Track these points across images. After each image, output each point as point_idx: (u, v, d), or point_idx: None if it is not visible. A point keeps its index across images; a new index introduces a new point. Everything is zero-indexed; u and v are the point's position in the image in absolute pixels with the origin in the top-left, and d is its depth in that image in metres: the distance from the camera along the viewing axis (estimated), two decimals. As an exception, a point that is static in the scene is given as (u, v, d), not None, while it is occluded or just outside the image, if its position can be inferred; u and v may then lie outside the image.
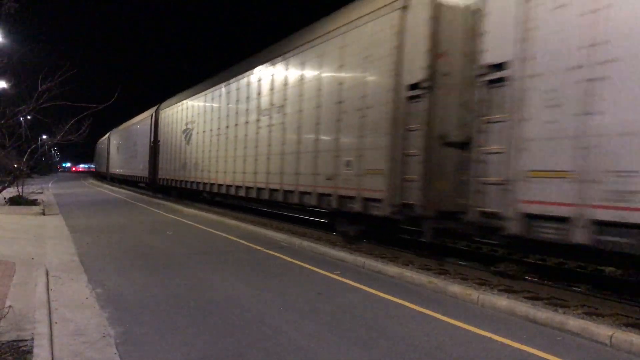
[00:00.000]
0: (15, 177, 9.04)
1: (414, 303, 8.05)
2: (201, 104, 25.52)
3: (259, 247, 13.29)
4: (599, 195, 7.08)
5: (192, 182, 26.04)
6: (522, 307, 7.47)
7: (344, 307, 7.76)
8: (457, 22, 10.29)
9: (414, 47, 10.84)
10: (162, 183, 32.41)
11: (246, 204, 23.11)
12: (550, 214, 7.71)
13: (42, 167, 70.32)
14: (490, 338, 6.45)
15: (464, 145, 9.76)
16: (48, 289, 8.06)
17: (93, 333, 6.20)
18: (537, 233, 8.00)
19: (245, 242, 14.12)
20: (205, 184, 23.93)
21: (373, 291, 8.83)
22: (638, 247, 6.72)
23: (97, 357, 5.45)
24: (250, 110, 19.26)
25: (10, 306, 6.43)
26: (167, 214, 22.31)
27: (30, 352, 5.25)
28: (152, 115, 35.78)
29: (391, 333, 6.60)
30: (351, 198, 12.77)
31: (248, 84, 19.65)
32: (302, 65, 15.57)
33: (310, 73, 15.12)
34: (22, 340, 5.55)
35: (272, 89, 17.57)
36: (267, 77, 18.01)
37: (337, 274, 10.11)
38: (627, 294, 8.29)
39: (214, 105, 23.61)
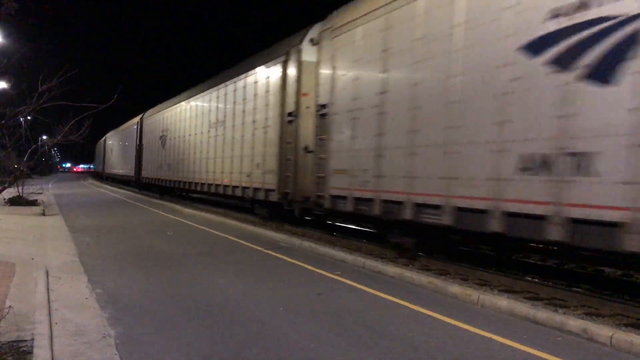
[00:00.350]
0: (15, 178, 9.04)
1: (414, 303, 8.05)
2: (173, 114, 31.27)
3: (259, 248, 13.30)
4: (357, 184, 12.47)
5: (166, 181, 31.65)
6: (522, 308, 7.46)
7: (344, 308, 7.76)
8: (312, 73, 15.15)
9: (290, 88, 16.47)
10: (145, 181, 38.09)
11: (207, 197, 28.76)
12: (341, 194, 13.07)
13: (42, 168, 70.29)
14: (490, 338, 6.45)
15: (311, 151, 15.17)
16: (48, 290, 8.06)
17: (93, 333, 6.20)
18: (338, 207, 13.30)
19: (246, 243, 14.12)
20: (176, 181, 29.56)
21: (373, 291, 8.83)
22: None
23: (97, 358, 5.44)
24: (204, 123, 25.02)
25: (10, 306, 6.43)
26: (166, 214, 22.32)
27: (30, 352, 5.25)
28: (138, 122, 41.61)
29: (391, 333, 6.60)
30: (257, 189, 18.19)
31: (203, 102, 25.62)
32: (244, 88, 20.32)
33: (239, 99, 20.62)
34: (22, 341, 5.55)
35: (217, 108, 23.31)
36: (213, 100, 23.93)
37: (337, 274, 10.11)
38: (627, 295, 8.29)
39: (182, 116, 29.41)
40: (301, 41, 15.99)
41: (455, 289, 8.65)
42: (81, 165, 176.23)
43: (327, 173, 13.65)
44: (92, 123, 8.02)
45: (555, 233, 7.68)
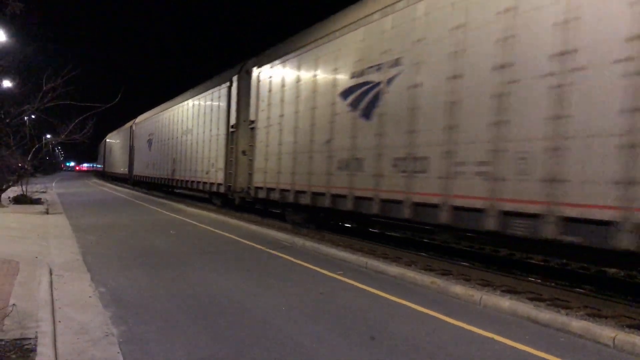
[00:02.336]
0: (19, 176, 9.08)
1: (416, 303, 8.05)
2: (157, 121, 36.27)
3: (261, 247, 13.31)
4: (268, 179, 17.40)
5: (152, 178, 36.58)
6: (525, 308, 7.46)
7: (346, 307, 7.77)
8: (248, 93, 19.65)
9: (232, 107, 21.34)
10: (136, 179, 43.21)
11: (185, 191, 33.52)
12: (259, 186, 17.98)
13: (46, 167, 70.47)
14: (492, 339, 6.45)
15: (245, 153, 19.53)
16: (51, 288, 8.09)
17: (96, 332, 6.22)
18: (259, 196, 17.88)
19: (248, 242, 14.14)
20: (159, 178, 34.58)
21: (375, 291, 8.84)
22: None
23: (100, 356, 5.46)
24: (178, 130, 30.17)
25: (14, 304, 6.46)
26: (169, 213, 22.35)
27: (33, 350, 5.27)
28: (131, 125, 47.01)
29: (393, 333, 6.60)
30: (212, 184, 23.42)
31: (177, 112, 30.59)
32: (204, 104, 25.39)
33: (201, 112, 25.76)
34: (25, 339, 5.57)
35: (187, 118, 28.46)
36: (183, 111, 29.38)
37: (339, 274, 10.12)
38: (631, 295, 8.28)
39: (162, 123, 34.41)
40: (239, 71, 21.03)
41: (457, 289, 8.65)
42: (85, 164, 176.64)
43: (253, 170, 18.54)
44: (95, 122, 8.05)
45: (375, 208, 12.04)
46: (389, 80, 11.49)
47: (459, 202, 9.46)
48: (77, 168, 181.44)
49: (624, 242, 6.91)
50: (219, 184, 22.27)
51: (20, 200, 23.85)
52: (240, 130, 20.42)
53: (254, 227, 17.03)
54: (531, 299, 8.08)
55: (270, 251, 12.74)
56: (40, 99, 6.27)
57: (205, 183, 24.48)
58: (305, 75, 15.32)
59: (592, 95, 7.32)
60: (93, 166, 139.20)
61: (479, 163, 9.01)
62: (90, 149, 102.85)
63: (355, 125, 12.52)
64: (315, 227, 15.88)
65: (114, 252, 12.17)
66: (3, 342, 5.39)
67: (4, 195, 22.22)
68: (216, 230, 16.60)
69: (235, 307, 7.60)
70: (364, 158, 12.21)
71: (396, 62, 11.29)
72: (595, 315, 7.29)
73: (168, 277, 9.58)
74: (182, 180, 28.82)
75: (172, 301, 7.90)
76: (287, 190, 15.78)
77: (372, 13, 12.28)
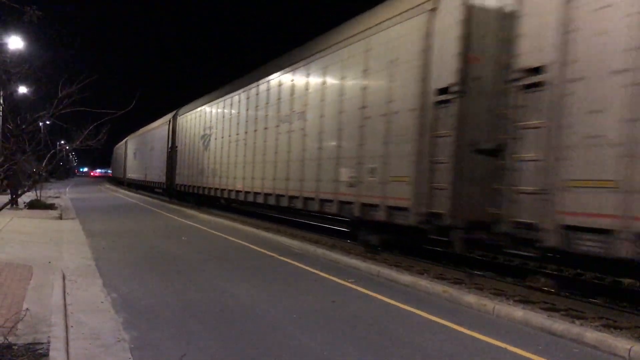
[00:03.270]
0: (34, 182, 9.17)
1: (428, 312, 7.99)
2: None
3: (272, 254, 13.31)
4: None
5: (209, 189, 26.04)
6: (538, 318, 7.38)
7: (358, 316, 7.73)
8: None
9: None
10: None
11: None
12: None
13: (60, 172, 71.13)
14: (505, 349, 6.38)
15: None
16: (64, 293, 8.14)
17: (108, 337, 6.24)
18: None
19: (259, 249, 14.14)
20: (222, 190, 24.00)
21: (387, 300, 8.79)
22: None
23: (112, 362, 5.48)
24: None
25: (27, 309, 6.50)
26: (181, 220, 22.43)
27: (46, 355, 5.30)
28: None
29: (405, 342, 6.56)
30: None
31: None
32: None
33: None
34: (38, 343, 5.60)
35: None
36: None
37: (350, 282, 10.08)
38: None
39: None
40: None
41: (470, 298, 8.58)
42: (98, 170, 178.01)
43: (176, 175, 17.91)
44: (109, 128, 8.11)
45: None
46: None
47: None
48: (91, 174, 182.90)
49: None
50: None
51: (34, 205, 24.09)
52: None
53: (265, 234, 17.03)
54: (545, 309, 7.98)
55: (282, 258, 12.73)
56: (55, 105, 6.35)
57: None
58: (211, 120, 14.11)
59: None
60: (106, 172, 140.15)
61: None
62: (103, 155, 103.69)
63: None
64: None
65: (126, 257, 12.23)
66: (16, 347, 5.43)
67: (18, 200, 22.43)
68: (227, 237, 16.62)
69: (246, 314, 7.59)
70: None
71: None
72: (611, 327, 7.19)
73: (179, 283, 9.60)
74: (282, 196, 17.41)
75: (184, 307, 7.91)
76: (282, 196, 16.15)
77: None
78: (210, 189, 25.99)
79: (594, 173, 7.44)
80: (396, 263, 11.77)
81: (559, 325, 7.07)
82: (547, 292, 9.04)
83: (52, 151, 7.92)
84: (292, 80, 17.65)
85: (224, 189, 23.71)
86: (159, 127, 40.49)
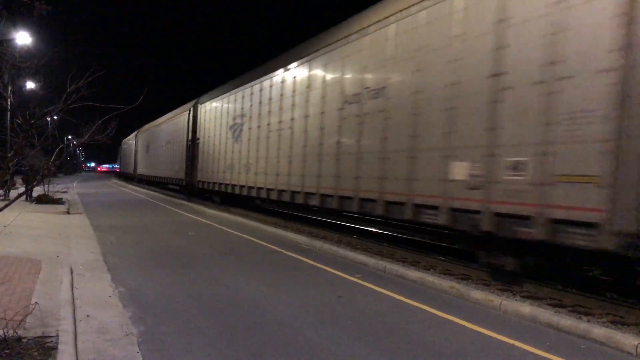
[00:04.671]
0: (43, 177, 9.23)
1: (436, 308, 7.99)
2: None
3: (280, 249, 13.33)
4: (205, 177, 28.23)
5: (241, 187, 22.10)
6: (546, 314, 7.36)
7: (365, 311, 7.74)
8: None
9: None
10: (201, 186, 28.79)
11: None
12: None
13: (68, 167, 71.47)
14: (512, 345, 6.37)
15: None
16: (72, 287, 8.19)
17: (116, 331, 6.28)
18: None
19: (267, 244, 14.17)
20: (259, 188, 19.95)
21: (394, 295, 8.79)
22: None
23: (120, 355, 5.51)
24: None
25: (36, 303, 6.54)
26: (189, 215, 22.50)
27: (55, 348, 5.34)
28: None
29: (412, 338, 6.56)
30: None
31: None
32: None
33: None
34: (47, 337, 5.65)
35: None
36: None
37: (358, 278, 10.09)
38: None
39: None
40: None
41: (477, 294, 8.57)
42: (105, 165, 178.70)
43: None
44: (117, 123, 8.14)
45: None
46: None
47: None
48: (98, 169, 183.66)
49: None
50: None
51: (42, 200, 24.24)
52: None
53: (272, 230, 17.06)
54: (552, 305, 7.97)
55: (289, 253, 12.75)
56: (64, 100, 6.38)
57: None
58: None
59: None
60: (113, 167, 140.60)
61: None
62: (110, 150, 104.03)
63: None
64: None
65: (134, 252, 12.28)
66: (25, 340, 5.47)
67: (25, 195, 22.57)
68: (235, 232, 16.65)
69: (253, 309, 7.62)
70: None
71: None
72: (618, 323, 7.17)
73: (187, 278, 9.64)
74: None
75: (191, 302, 7.95)
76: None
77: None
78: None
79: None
80: (402, 259, 11.77)
81: (566, 321, 7.05)
82: (554, 288, 9.01)
83: (61, 146, 7.96)
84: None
85: (261, 188, 19.67)
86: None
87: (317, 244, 13.79)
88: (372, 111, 12.74)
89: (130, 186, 53.04)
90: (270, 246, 13.86)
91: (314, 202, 15.48)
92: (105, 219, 19.68)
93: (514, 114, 8.74)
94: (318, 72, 16.00)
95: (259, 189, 19.90)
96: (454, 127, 10.02)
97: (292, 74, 17.85)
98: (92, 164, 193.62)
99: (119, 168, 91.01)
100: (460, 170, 9.90)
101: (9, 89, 7.09)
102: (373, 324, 7.07)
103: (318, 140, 15.47)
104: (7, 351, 5.11)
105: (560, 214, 7.90)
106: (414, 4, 11.39)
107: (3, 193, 20.79)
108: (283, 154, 17.91)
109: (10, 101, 7.32)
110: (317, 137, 15.53)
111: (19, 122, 6.91)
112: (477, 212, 9.37)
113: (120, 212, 23.10)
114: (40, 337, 5.63)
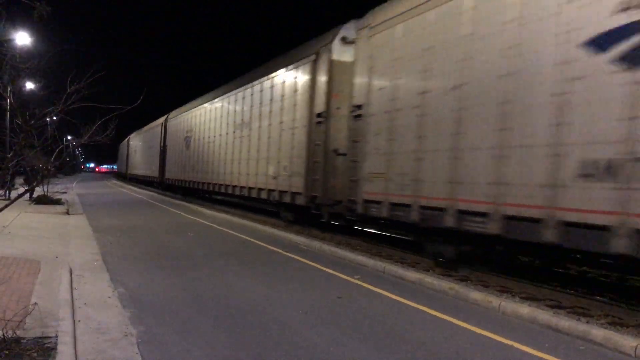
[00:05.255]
0: (42, 177, 9.23)
1: (435, 309, 8.00)
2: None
3: (279, 250, 13.33)
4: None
5: (190, 182, 31.11)
6: (545, 316, 7.37)
7: (364, 312, 7.75)
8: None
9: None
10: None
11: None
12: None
13: (67, 168, 71.46)
14: (511, 346, 6.38)
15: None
16: (72, 288, 8.19)
17: (115, 332, 6.28)
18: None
19: (265, 245, 14.17)
20: (200, 183, 28.90)
21: (393, 296, 8.80)
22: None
23: (119, 356, 5.51)
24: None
25: (35, 303, 6.54)
26: (187, 215, 22.50)
27: (54, 348, 5.34)
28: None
29: (411, 338, 6.57)
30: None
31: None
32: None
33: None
34: (46, 337, 5.64)
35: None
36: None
37: (357, 278, 10.10)
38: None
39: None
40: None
41: (476, 295, 8.58)
42: (104, 166, 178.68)
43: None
44: (117, 124, 8.14)
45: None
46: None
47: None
48: (97, 169, 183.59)
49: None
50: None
51: (41, 200, 24.21)
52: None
53: (270, 230, 17.06)
54: (551, 307, 7.98)
55: (288, 254, 12.76)
56: (64, 101, 6.36)
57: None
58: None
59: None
60: (113, 168, 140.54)
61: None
62: (110, 151, 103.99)
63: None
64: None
65: (133, 253, 12.28)
66: (25, 341, 5.47)
67: (26, 195, 22.56)
68: (233, 233, 16.66)
69: (252, 310, 7.62)
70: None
71: None
72: (617, 324, 7.18)
73: (186, 278, 9.64)
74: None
75: (190, 302, 7.95)
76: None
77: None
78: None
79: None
80: (401, 260, 11.77)
81: (565, 322, 7.06)
82: (553, 290, 9.02)
83: (60, 146, 7.97)
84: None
85: (202, 182, 28.41)
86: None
87: (316, 244, 13.79)
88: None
89: (129, 186, 53.01)
90: (269, 247, 13.86)
91: (238, 192, 22.58)
92: (104, 219, 19.68)
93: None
94: (229, 106, 25.47)
95: (201, 183, 28.54)
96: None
97: (217, 105, 27.00)
98: (92, 165, 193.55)
99: (117, 168, 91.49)
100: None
101: (9, 89, 7.08)
102: (372, 325, 7.07)
103: (229, 150, 24.28)
104: (7, 352, 5.11)
105: (294, 189, 16.20)
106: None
107: (4, 193, 20.81)
108: (213, 160, 26.64)
109: (10, 102, 7.31)
110: (224, 148, 24.89)
111: (19, 122, 6.91)
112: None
113: (119, 213, 23.09)
114: (39, 337, 5.63)
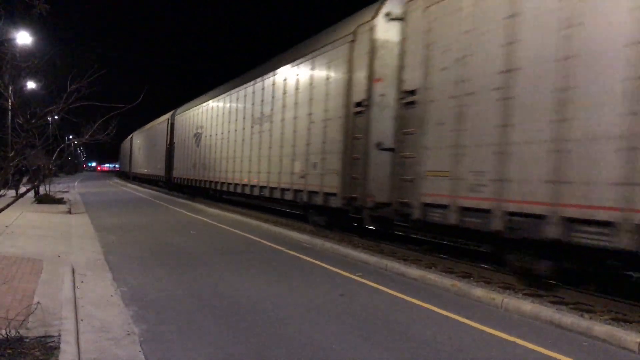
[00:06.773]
0: (44, 176, 9.23)
1: (437, 306, 7.99)
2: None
3: (281, 248, 13.33)
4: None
5: (200, 181, 29.26)
6: (547, 312, 7.36)
7: (367, 309, 7.74)
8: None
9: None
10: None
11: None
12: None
13: (69, 167, 71.52)
14: (514, 342, 6.37)
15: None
16: (74, 287, 8.20)
17: (118, 330, 6.28)
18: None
19: (268, 243, 14.17)
20: (211, 182, 27.04)
21: (395, 293, 8.80)
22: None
23: (122, 354, 5.52)
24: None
25: (38, 302, 6.55)
26: (190, 214, 22.50)
27: (57, 347, 5.34)
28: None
29: (414, 335, 6.56)
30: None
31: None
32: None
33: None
34: (49, 336, 5.65)
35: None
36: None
37: (359, 276, 10.09)
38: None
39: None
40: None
41: (478, 292, 8.57)
42: (106, 165, 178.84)
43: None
44: (118, 123, 8.13)
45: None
46: None
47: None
48: (99, 168, 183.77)
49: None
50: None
51: (43, 199, 24.25)
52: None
53: (273, 228, 17.05)
54: (554, 303, 7.97)
55: (290, 252, 12.76)
56: (65, 100, 6.36)
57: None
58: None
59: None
60: (115, 167, 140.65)
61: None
62: (112, 150, 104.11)
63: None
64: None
65: (135, 251, 12.29)
66: (28, 340, 5.47)
67: (29, 194, 22.58)
68: (236, 231, 16.66)
69: (255, 308, 7.62)
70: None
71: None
72: (620, 320, 7.16)
73: (188, 276, 9.64)
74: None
75: (193, 301, 7.95)
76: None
77: None
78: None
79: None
80: (404, 257, 11.76)
81: (568, 318, 7.05)
82: (556, 286, 9.00)
83: (62, 145, 7.96)
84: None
85: (212, 181, 26.77)
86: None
87: (319, 242, 13.79)
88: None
89: (130, 185, 53.06)
90: (272, 244, 13.86)
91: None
92: (106, 218, 19.69)
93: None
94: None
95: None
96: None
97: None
98: (93, 164, 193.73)
99: (119, 167, 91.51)
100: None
101: (10, 89, 7.07)
102: (375, 322, 7.07)
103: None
104: (10, 351, 5.11)
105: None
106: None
107: (14, 192, 20.80)
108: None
109: (11, 101, 7.30)
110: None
111: (20, 122, 6.91)
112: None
113: (122, 212, 23.10)
114: (42, 336, 5.63)
